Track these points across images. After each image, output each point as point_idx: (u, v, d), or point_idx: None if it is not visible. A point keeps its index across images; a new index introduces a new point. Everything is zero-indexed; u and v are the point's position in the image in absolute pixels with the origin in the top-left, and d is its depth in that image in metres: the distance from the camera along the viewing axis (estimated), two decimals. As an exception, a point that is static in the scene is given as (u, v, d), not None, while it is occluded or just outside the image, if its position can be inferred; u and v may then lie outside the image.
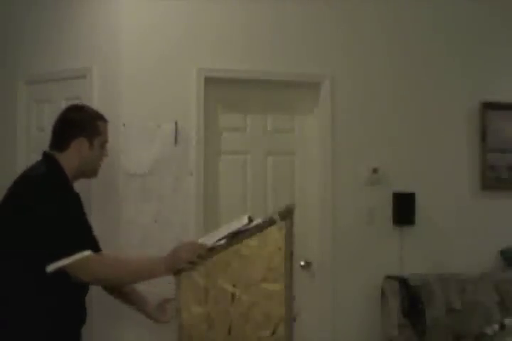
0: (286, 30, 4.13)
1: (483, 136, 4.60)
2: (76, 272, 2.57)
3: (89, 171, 2.83)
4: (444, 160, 4.50)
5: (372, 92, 4.33)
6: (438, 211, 4.44)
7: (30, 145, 4.23)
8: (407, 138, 4.41)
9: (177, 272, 2.68)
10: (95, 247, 2.82)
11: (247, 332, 2.50)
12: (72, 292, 2.68)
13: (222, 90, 4.03)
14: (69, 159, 2.72)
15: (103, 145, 2.81)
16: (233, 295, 2.53)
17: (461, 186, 4.56)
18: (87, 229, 2.83)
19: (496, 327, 3.69)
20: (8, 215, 2.62)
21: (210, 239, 2.73)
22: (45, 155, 2.77)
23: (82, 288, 2.75)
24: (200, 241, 2.81)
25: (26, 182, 2.66)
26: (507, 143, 4.68)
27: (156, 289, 3.67)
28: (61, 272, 2.57)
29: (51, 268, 2.55)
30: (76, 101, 3.88)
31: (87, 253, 2.59)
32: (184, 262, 2.59)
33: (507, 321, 3.71)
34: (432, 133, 4.47)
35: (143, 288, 3.32)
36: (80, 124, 2.74)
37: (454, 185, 4.53)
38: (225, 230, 2.69)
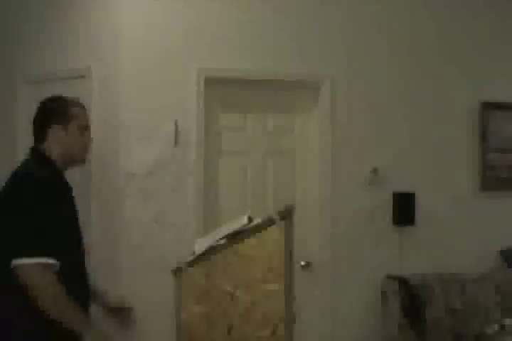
0: (286, 30, 4.13)
1: (483, 136, 4.60)
2: (27, 276, 2.53)
3: (75, 157, 2.83)
4: (444, 160, 4.50)
5: (372, 92, 4.33)
6: (438, 211, 4.44)
7: (30, 146, 4.22)
8: (407, 138, 4.41)
9: (177, 271, 2.69)
10: (79, 244, 2.80)
11: (247, 332, 2.50)
12: (72, 280, 2.67)
13: (222, 90, 4.03)
14: (51, 148, 2.75)
15: (82, 130, 2.81)
16: (233, 295, 2.53)
17: (461, 186, 4.56)
18: (75, 226, 2.80)
19: (496, 327, 3.70)
20: (3, 214, 2.63)
21: (210, 239, 2.73)
22: (31, 150, 2.80)
23: (83, 275, 2.77)
24: (200, 241, 2.82)
25: (19, 182, 2.65)
26: (507, 143, 4.68)
27: (155, 289, 3.68)
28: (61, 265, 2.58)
29: (12, 264, 2.54)
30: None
31: (52, 261, 2.56)
32: None
33: (507, 321, 3.71)
34: (431, 133, 4.47)
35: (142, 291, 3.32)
36: (53, 112, 2.78)
37: (454, 185, 4.53)
38: (225, 230, 2.69)
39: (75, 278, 2.71)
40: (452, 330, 4.11)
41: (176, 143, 3.84)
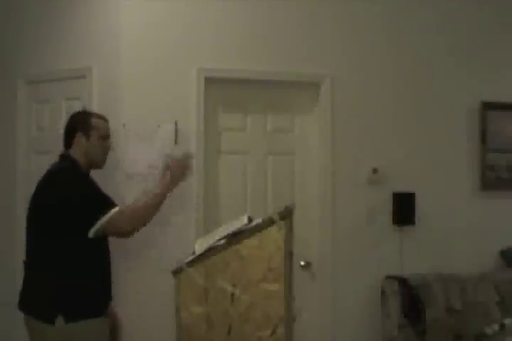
0: (286, 30, 4.13)
1: (483, 136, 4.60)
2: (117, 225, 2.95)
3: (95, 161, 3.22)
4: (444, 160, 4.50)
5: (372, 92, 4.33)
6: (438, 211, 4.44)
7: (30, 145, 4.23)
8: (407, 138, 4.41)
9: (177, 271, 2.69)
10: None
11: (246, 332, 2.50)
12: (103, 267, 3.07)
13: (222, 90, 4.03)
14: (76, 153, 3.17)
15: (102, 138, 3.22)
16: (233, 295, 2.53)
17: (461, 186, 4.55)
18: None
19: (496, 327, 3.69)
20: (49, 201, 2.97)
21: (210, 239, 2.74)
22: (61, 155, 3.19)
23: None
24: (200, 241, 2.82)
25: (55, 175, 3.07)
26: (507, 143, 4.68)
27: (155, 289, 3.68)
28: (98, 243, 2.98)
29: (93, 230, 2.92)
30: (76, 101, 3.90)
31: (118, 207, 3.00)
32: (179, 178, 3.17)
33: (507, 321, 3.70)
34: (431, 133, 4.47)
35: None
36: (77, 123, 3.22)
37: (454, 185, 4.53)
38: (225, 230, 2.70)
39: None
40: (452, 330, 4.11)
41: (175, 143, 3.84)
